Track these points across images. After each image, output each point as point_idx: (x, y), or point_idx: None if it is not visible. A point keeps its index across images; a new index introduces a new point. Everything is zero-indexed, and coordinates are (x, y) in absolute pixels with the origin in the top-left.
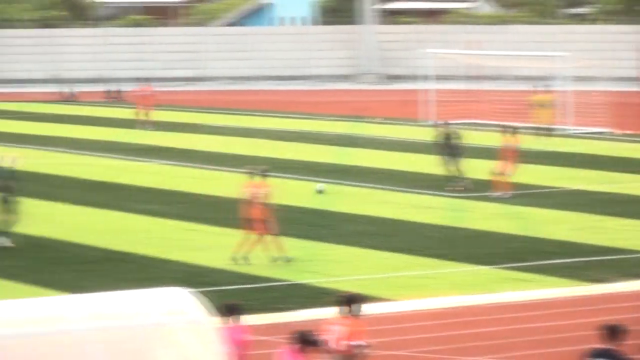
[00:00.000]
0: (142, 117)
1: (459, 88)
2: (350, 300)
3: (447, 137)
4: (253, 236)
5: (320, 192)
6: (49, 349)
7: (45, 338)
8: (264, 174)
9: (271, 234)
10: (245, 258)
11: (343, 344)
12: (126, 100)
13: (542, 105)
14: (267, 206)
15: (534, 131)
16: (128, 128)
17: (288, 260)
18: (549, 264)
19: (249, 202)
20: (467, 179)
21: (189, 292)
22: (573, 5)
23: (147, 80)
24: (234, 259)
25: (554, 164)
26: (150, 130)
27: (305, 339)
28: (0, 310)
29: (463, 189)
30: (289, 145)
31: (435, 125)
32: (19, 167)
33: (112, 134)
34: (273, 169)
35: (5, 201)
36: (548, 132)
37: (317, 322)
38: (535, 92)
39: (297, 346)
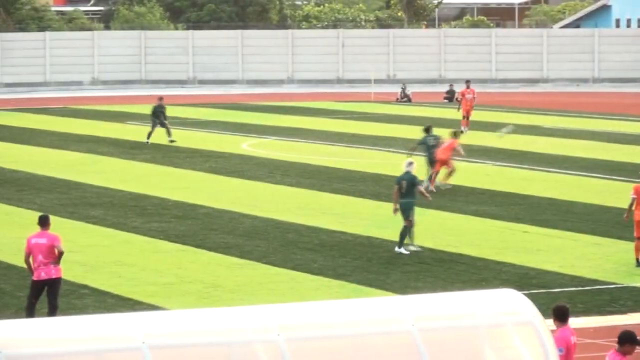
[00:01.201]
0: (468, 117)
1: None
2: None
3: None
4: None
5: (505, 133)
6: (376, 347)
7: (373, 338)
8: None
9: None
10: None
11: None
12: (462, 102)
13: None
14: None
15: None
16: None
17: None
18: None
19: (635, 205)
20: None
21: (520, 293)
22: None
23: (485, 81)
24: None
25: None
26: (466, 131)
27: (631, 340)
28: (331, 310)
29: None
30: (623, 147)
31: None
32: (415, 172)
33: (443, 134)
34: (609, 171)
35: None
36: None
37: None
38: None
39: (622, 347)
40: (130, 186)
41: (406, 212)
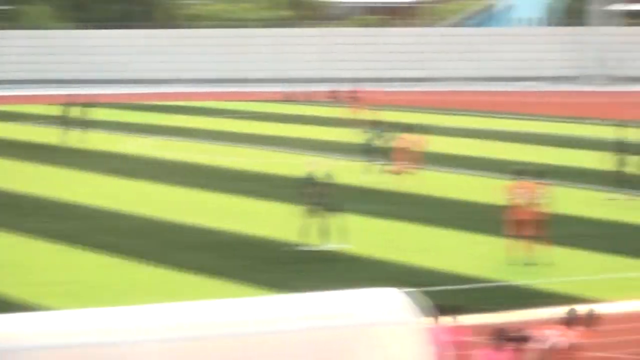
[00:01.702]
0: (353, 117)
1: None
2: (576, 313)
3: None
4: (524, 239)
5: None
6: (261, 347)
7: (257, 337)
8: (519, 175)
9: (525, 236)
10: (526, 259)
11: (547, 344)
12: (346, 100)
13: None
14: (529, 207)
15: None
16: (346, 128)
17: (530, 264)
18: None
19: (512, 204)
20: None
21: (400, 292)
22: None
23: (362, 81)
24: (517, 263)
25: None
26: (364, 130)
27: (504, 336)
28: (209, 310)
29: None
30: (510, 146)
31: (619, 125)
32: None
33: (330, 133)
34: (493, 169)
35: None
36: None
37: (524, 323)
38: None
39: (496, 343)
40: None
41: (315, 212)
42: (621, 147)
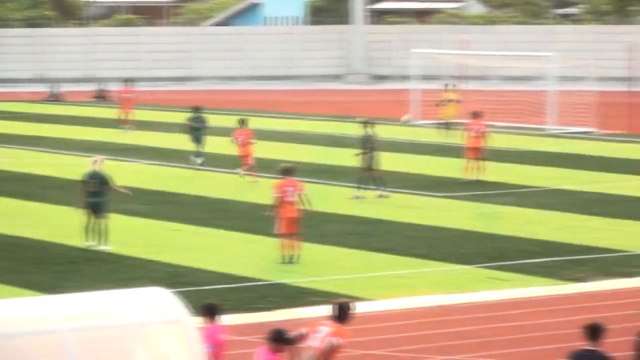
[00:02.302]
0: (123, 117)
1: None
2: (342, 307)
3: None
4: (292, 237)
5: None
6: (28, 349)
7: (25, 339)
8: (288, 173)
9: (293, 234)
10: (293, 257)
11: (323, 343)
12: (112, 100)
13: (449, 101)
14: (296, 205)
15: (436, 126)
16: (112, 128)
17: (299, 263)
18: (529, 263)
19: (280, 202)
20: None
21: (169, 292)
22: (562, 6)
23: (132, 80)
24: (285, 262)
25: (537, 163)
26: (132, 130)
27: (280, 338)
28: None
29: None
30: (276, 145)
31: (363, 123)
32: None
33: (96, 133)
34: (259, 168)
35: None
36: (447, 127)
37: (295, 321)
38: (446, 90)
39: (272, 345)
40: None
41: (96, 211)
42: (367, 145)
